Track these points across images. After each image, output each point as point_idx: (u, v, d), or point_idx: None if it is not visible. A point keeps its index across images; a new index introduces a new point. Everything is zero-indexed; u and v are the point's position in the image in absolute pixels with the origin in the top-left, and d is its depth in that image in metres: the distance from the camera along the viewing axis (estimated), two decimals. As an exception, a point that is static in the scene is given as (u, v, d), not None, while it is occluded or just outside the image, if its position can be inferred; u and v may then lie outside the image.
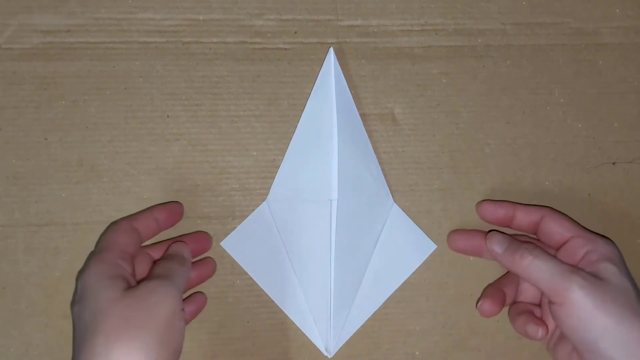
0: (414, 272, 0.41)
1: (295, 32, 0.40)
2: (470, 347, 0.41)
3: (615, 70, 0.42)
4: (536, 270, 0.35)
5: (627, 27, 0.42)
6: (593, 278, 0.34)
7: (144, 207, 0.39)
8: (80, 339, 0.31)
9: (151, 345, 0.30)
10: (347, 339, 0.40)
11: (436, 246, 0.40)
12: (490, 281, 0.41)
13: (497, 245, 0.38)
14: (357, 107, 0.40)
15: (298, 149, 0.40)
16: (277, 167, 0.40)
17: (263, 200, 0.40)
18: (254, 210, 0.40)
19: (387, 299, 0.41)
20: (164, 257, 0.37)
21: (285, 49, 0.40)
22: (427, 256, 0.41)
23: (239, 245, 0.40)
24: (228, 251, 0.40)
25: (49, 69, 0.39)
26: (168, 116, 0.40)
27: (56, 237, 0.39)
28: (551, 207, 0.39)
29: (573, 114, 0.42)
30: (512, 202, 0.40)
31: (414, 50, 0.41)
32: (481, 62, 0.41)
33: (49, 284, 0.39)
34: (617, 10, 0.42)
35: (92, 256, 0.35)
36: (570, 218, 0.38)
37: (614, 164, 0.42)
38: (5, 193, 0.39)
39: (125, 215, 0.39)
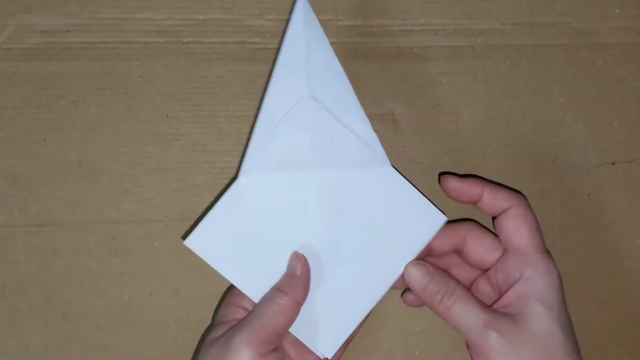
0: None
1: (295, 32, 0.40)
2: (470, 347, 0.41)
3: (615, 70, 0.42)
4: (454, 317, 0.33)
5: (627, 27, 0.42)
6: (512, 328, 0.31)
7: (144, 207, 0.39)
8: None
9: None
10: (348, 335, 0.36)
11: (447, 218, 0.36)
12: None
13: (415, 282, 0.34)
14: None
15: (270, 115, 0.35)
16: (277, 167, 0.40)
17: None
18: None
19: (387, 300, 0.41)
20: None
21: (285, 49, 0.40)
22: (436, 231, 0.35)
23: (208, 241, 0.34)
24: (194, 251, 0.35)
25: (48, 69, 0.39)
26: (168, 116, 0.40)
27: (56, 237, 0.39)
28: (523, 197, 0.35)
29: (573, 114, 0.42)
30: (482, 180, 0.36)
31: (414, 50, 0.41)
32: (481, 62, 0.41)
33: (48, 284, 0.39)
34: (617, 10, 0.42)
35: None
36: (536, 220, 0.35)
37: (614, 164, 0.42)
38: (5, 193, 0.39)
39: (125, 215, 0.39)
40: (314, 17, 0.35)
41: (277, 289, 0.34)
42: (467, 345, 0.34)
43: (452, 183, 0.36)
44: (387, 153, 0.41)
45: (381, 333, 0.41)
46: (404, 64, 0.41)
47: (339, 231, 0.35)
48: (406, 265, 0.35)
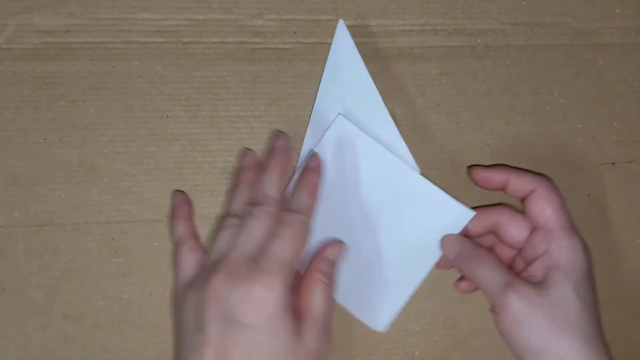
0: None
1: (295, 32, 0.40)
2: (470, 347, 0.41)
3: (615, 70, 0.42)
4: (480, 278, 0.36)
5: (627, 27, 0.42)
6: (530, 291, 0.34)
7: (144, 208, 0.39)
8: None
9: None
10: (398, 312, 0.40)
11: (474, 213, 0.38)
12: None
13: (449, 250, 0.38)
14: (357, 107, 0.40)
15: (314, 132, 0.40)
16: (277, 167, 0.40)
17: (263, 200, 0.40)
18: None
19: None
20: (317, 274, 0.36)
21: (285, 49, 0.40)
22: (465, 224, 0.38)
23: None
24: None
25: (48, 69, 0.39)
26: (168, 116, 0.40)
27: (56, 237, 0.39)
28: (547, 179, 0.37)
29: (573, 114, 0.42)
30: (508, 167, 0.38)
31: (414, 50, 0.41)
32: (481, 62, 0.41)
33: (48, 284, 0.39)
34: (617, 10, 0.42)
35: (268, 265, 0.34)
36: (560, 199, 0.36)
37: (613, 164, 0.42)
38: (5, 193, 0.39)
39: (125, 215, 0.39)
40: (351, 40, 0.40)
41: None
42: (491, 310, 0.35)
43: (480, 173, 0.38)
44: (387, 153, 0.41)
45: (381, 333, 0.41)
46: (404, 64, 0.41)
47: (381, 228, 0.39)
48: (442, 238, 0.39)
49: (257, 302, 0.32)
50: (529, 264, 0.36)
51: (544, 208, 0.36)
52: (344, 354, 0.41)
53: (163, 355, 0.40)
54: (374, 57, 0.41)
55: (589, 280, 0.35)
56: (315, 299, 0.35)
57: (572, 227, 0.36)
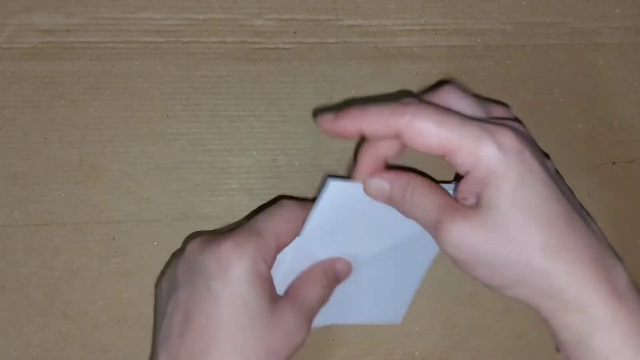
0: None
1: (295, 32, 0.40)
2: (470, 347, 0.41)
3: (615, 70, 0.42)
4: (414, 211, 0.30)
5: (627, 27, 0.42)
6: (466, 218, 0.28)
7: (144, 207, 0.39)
8: (192, 338, 0.29)
9: None
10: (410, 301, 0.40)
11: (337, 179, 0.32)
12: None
13: (379, 195, 0.32)
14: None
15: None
16: (277, 167, 0.40)
17: (263, 200, 0.40)
18: (253, 209, 0.40)
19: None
20: (321, 275, 0.34)
21: (285, 49, 0.40)
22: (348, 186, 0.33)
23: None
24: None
25: (48, 68, 0.39)
26: (168, 116, 0.40)
27: (56, 237, 0.39)
28: (406, 106, 0.29)
29: (573, 114, 0.42)
30: (361, 108, 0.30)
31: (414, 50, 0.41)
32: (481, 62, 0.41)
33: (48, 284, 0.39)
34: (617, 10, 0.42)
35: (244, 231, 0.31)
36: (436, 113, 0.28)
37: (614, 164, 0.42)
38: (5, 193, 0.39)
39: (125, 215, 0.39)
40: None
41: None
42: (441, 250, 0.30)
43: (324, 124, 0.31)
44: (387, 153, 0.41)
45: (381, 333, 0.41)
46: (404, 64, 0.41)
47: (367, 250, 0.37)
48: (364, 182, 0.32)
49: (224, 261, 0.30)
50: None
51: (425, 137, 0.28)
52: (344, 354, 0.41)
53: (163, 355, 0.40)
54: (374, 57, 0.41)
55: (531, 182, 0.28)
56: (309, 289, 0.33)
57: (479, 131, 0.28)
